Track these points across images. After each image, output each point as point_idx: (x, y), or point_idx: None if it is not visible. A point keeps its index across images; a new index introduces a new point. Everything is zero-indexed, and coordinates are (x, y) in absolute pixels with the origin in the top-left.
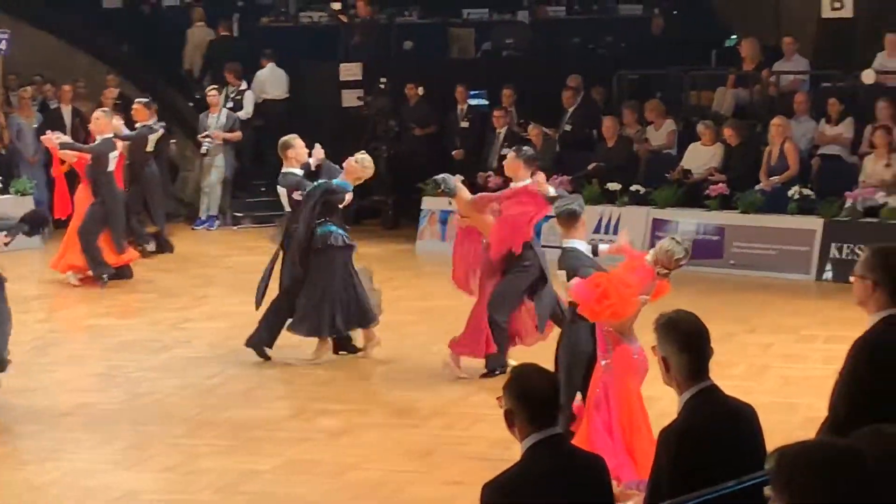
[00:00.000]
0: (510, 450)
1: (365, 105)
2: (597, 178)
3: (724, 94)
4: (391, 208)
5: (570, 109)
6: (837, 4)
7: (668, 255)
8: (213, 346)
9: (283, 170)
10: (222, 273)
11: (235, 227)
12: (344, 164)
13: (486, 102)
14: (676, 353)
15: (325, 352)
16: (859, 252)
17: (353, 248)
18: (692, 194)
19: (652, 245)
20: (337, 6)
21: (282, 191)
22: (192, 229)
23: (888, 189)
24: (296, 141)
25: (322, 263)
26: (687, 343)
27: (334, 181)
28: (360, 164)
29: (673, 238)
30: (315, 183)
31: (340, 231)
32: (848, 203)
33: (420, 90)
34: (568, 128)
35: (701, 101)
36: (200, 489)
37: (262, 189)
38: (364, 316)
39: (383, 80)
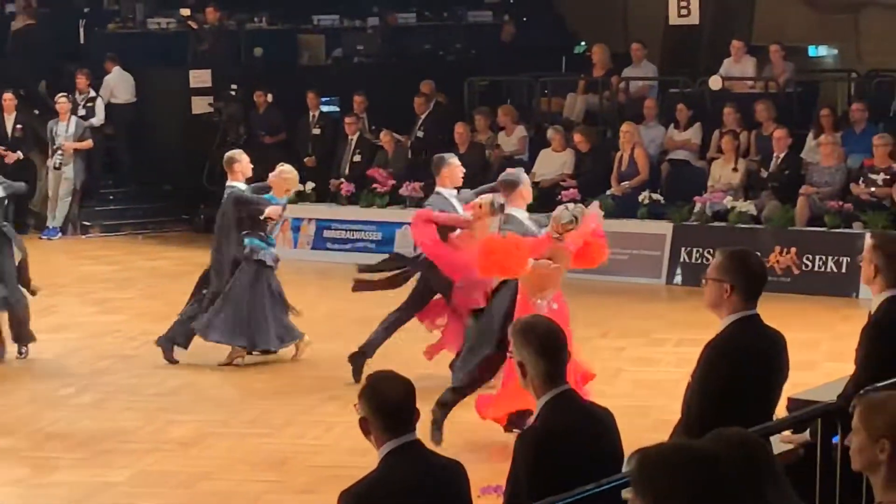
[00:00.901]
0: (365, 457)
1: (215, 112)
2: None
3: (574, 100)
4: None
5: (422, 116)
6: (684, 11)
7: (555, 220)
8: (61, 357)
9: (228, 183)
10: (71, 283)
11: (84, 236)
12: (269, 182)
13: (338, 109)
14: (533, 358)
15: (238, 356)
16: (709, 256)
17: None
18: (544, 200)
19: None
20: (186, 13)
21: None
22: (40, 238)
23: (736, 193)
24: (241, 156)
25: (247, 275)
26: (543, 348)
27: (265, 196)
28: (281, 177)
29: (566, 207)
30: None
31: (263, 245)
32: (697, 208)
33: (269, 97)
34: (420, 134)
35: (552, 107)
36: (52, 502)
37: (111, 197)
38: (291, 332)
39: (234, 86)
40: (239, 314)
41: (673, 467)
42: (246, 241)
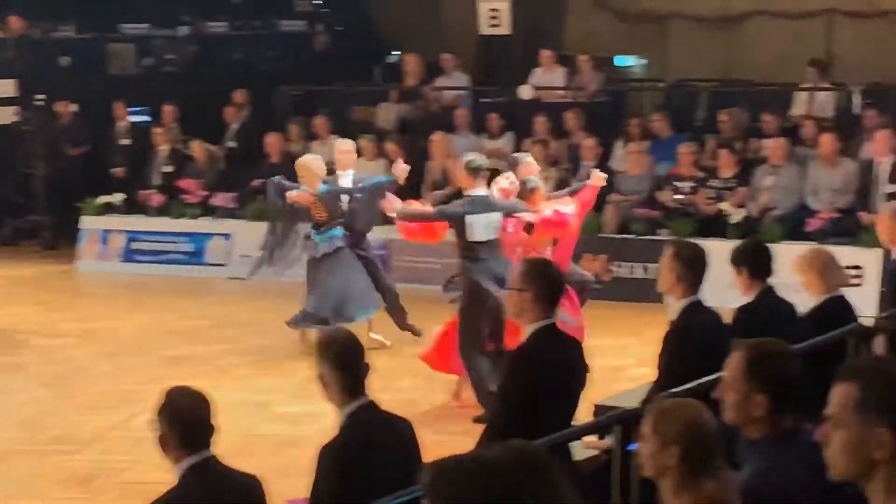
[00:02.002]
0: (171, 473)
1: (21, 122)
2: (263, 194)
3: (387, 109)
4: (49, 229)
5: (234, 125)
6: (495, 22)
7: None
8: None
9: None
10: None
11: None
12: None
13: (149, 119)
14: (331, 371)
15: None
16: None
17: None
18: None
19: None
20: None
21: None
22: None
23: None
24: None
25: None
26: (341, 360)
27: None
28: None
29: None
30: None
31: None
32: None
33: (74, 107)
34: (232, 144)
35: (365, 116)
36: None
37: None
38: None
39: (40, 97)
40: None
41: (462, 478)
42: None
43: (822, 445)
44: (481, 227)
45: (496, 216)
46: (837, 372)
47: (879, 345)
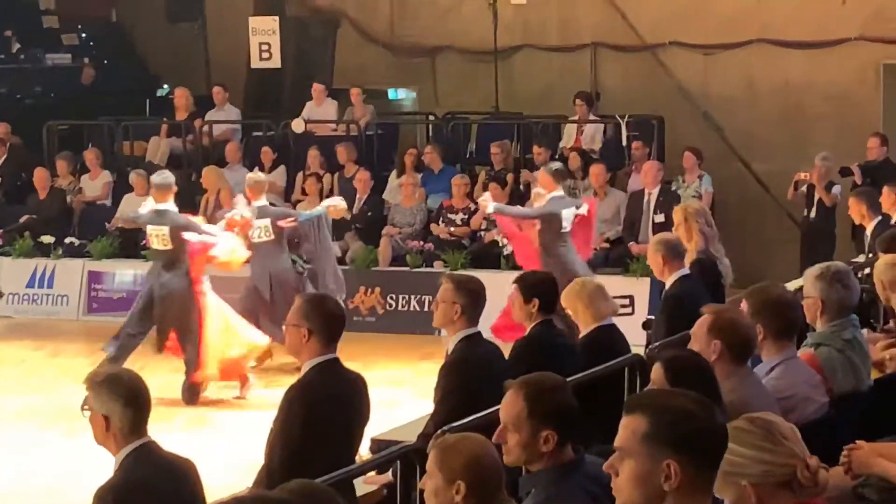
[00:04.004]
0: None
1: None
2: (30, 230)
3: (158, 143)
4: None
5: None
6: (266, 55)
7: None
8: None
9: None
10: None
11: None
12: None
13: None
14: (121, 409)
15: None
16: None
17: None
18: (128, 245)
19: (89, 296)
20: None
21: None
22: None
23: None
24: None
25: None
26: (134, 398)
27: None
28: None
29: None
30: None
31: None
32: None
33: None
34: None
35: (135, 151)
36: None
37: None
38: None
39: None
40: None
41: None
42: None
43: (611, 476)
44: (567, 220)
45: (571, 211)
46: (625, 403)
47: (657, 374)
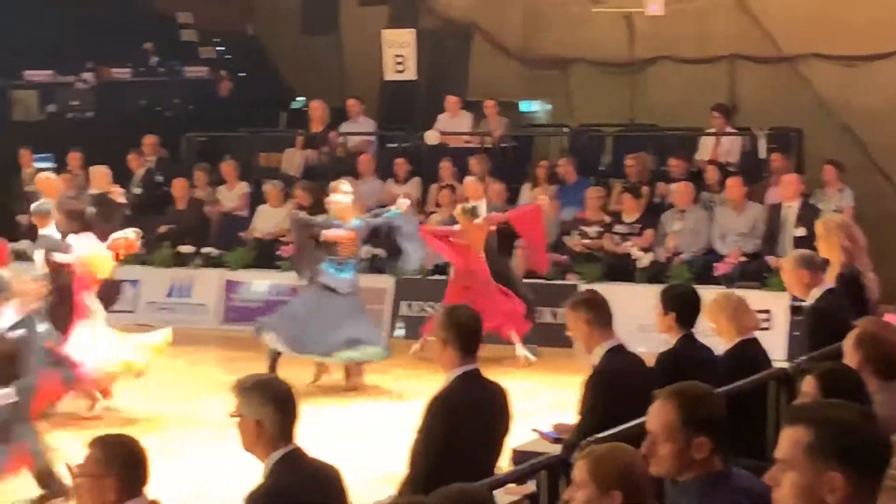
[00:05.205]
0: None
1: None
2: (169, 240)
3: (293, 155)
4: None
5: (139, 172)
6: (400, 67)
7: None
8: None
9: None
10: None
11: None
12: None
13: (54, 165)
14: (272, 414)
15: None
16: (429, 309)
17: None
18: (265, 255)
19: (226, 305)
20: None
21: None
22: None
23: None
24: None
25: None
26: (283, 403)
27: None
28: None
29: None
30: None
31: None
32: None
33: None
34: (138, 190)
35: (270, 162)
36: None
37: None
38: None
39: None
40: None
41: None
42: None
43: (761, 489)
44: None
45: None
46: (785, 414)
47: (809, 387)
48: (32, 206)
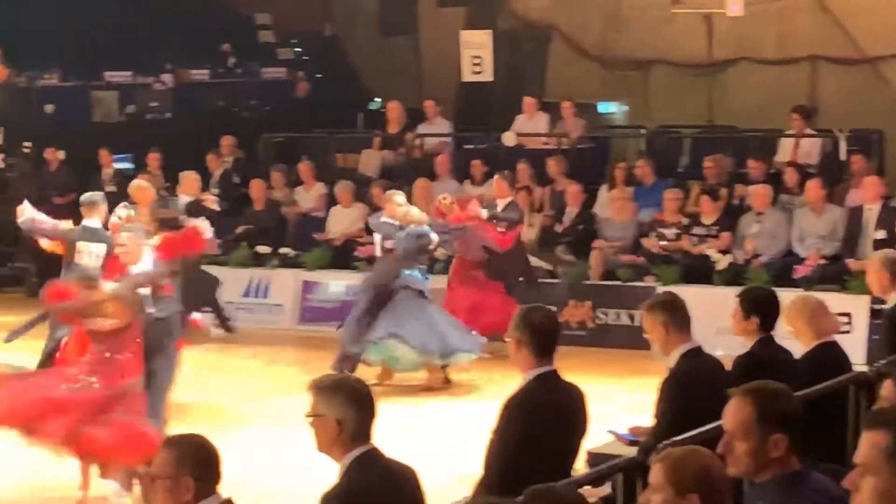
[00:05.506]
0: None
1: (7, 169)
2: (246, 241)
3: (369, 156)
4: (35, 276)
5: (217, 173)
6: (477, 69)
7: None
8: None
9: None
10: None
11: None
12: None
13: (133, 166)
14: (353, 413)
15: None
16: None
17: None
18: (339, 256)
19: (302, 306)
20: None
21: None
22: None
23: (531, 248)
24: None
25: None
26: (363, 402)
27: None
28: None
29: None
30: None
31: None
32: None
33: (61, 154)
34: (215, 191)
35: (347, 163)
36: None
37: None
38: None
39: (27, 144)
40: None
41: None
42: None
43: (839, 492)
44: None
45: None
46: (865, 419)
47: (890, 390)
48: (82, 197)
